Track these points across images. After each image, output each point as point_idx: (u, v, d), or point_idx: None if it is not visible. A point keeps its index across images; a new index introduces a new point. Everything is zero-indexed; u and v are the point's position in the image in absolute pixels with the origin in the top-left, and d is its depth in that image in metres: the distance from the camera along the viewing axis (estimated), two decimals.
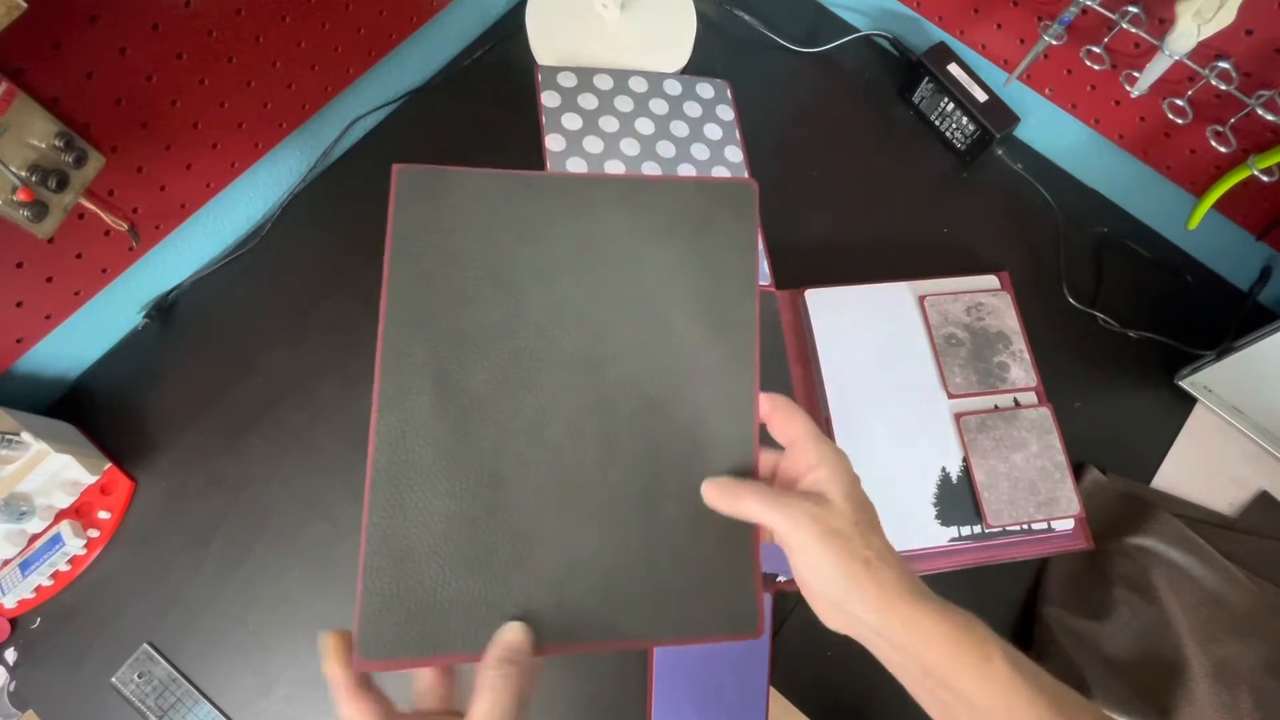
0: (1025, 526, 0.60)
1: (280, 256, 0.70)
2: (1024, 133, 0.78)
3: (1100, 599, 0.60)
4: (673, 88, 0.73)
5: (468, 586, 0.35)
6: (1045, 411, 0.64)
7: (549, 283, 0.39)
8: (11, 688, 0.56)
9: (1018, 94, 0.75)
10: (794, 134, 0.78)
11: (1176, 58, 0.58)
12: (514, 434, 0.37)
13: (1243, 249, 0.71)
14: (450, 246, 0.38)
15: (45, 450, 0.56)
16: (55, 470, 0.57)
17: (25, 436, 0.55)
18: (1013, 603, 0.62)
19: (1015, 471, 0.61)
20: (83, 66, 0.49)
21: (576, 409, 0.37)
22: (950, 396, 0.64)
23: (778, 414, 0.38)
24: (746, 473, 0.38)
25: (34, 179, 0.48)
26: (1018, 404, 0.64)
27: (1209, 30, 0.55)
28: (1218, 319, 0.71)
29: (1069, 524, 0.61)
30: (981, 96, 0.73)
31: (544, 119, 0.69)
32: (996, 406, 0.64)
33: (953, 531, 0.60)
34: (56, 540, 0.58)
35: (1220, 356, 0.63)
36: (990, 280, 0.70)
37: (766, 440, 0.39)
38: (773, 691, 0.57)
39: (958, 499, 0.60)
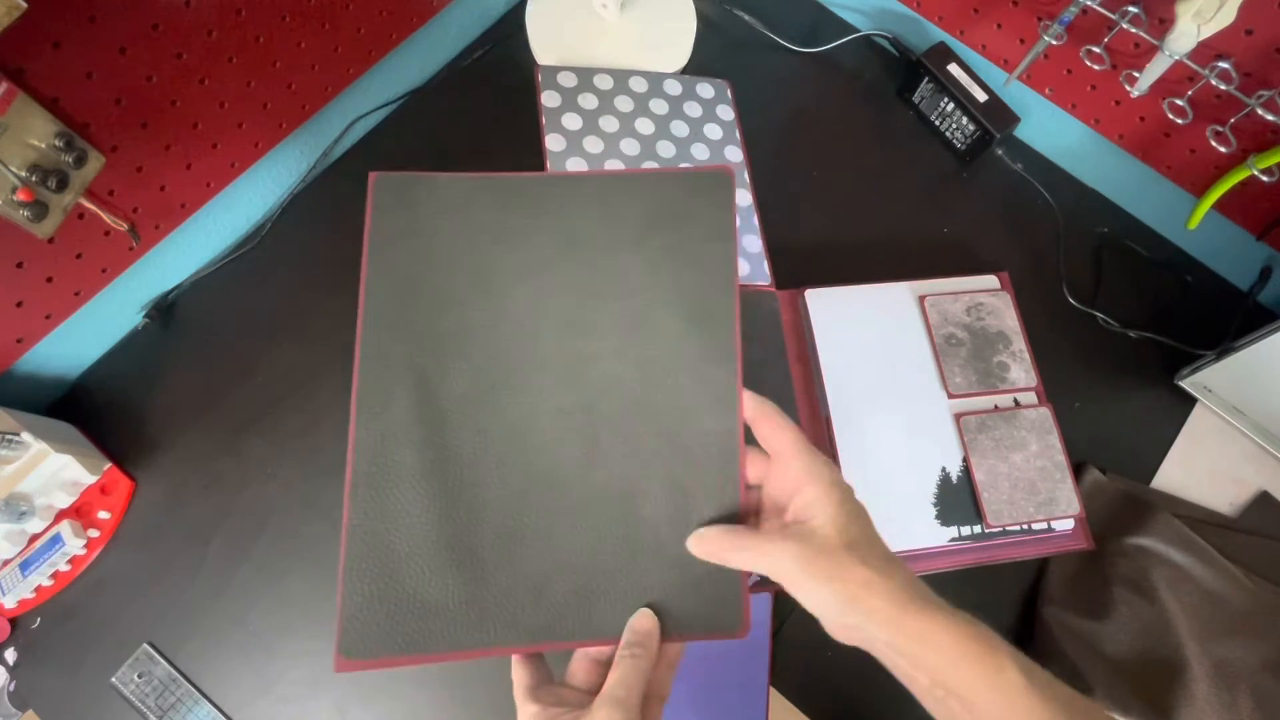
0: (1025, 526, 0.60)
1: (280, 256, 0.70)
2: (1024, 133, 0.78)
3: (1100, 599, 0.60)
4: (673, 88, 0.73)
5: (449, 587, 0.35)
6: (1045, 411, 0.64)
7: (527, 284, 0.39)
8: (11, 688, 0.56)
9: (1018, 94, 0.75)
10: (794, 134, 0.78)
11: (1176, 58, 0.58)
12: (494, 436, 0.37)
13: (1243, 249, 0.71)
14: (428, 251, 0.38)
15: (45, 450, 0.56)
16: (55, 470, 0.57)
17: (25, 436, 0.55)
18: (1013, 603, 0.62)
19: (1015, 471, 0.61)
20: (83, 66, 0.49)
21: (557, 409, 0.37)
22: (950, 396, 0.64)
23: (765, 421, 0.38)
24: (732, 474, 0.38)
25: (34, 179, 0.48)
26: (1018, 404, 0.64)
27: (1209, 30, 0.55)
28: (1218, 319, 0.71)
29: (1069, 524, 0.61)
30: (981, 96, 0.73)
31: (544, 119, 0.69)
32: (996, 406, 0.64)
33: (953, 531, 0.60)
34: (56, 540, 0.58)
35: (1220, 356, 0.63)
36: (990, 280, 0.70)
37: (753, 442, 0.39)
38: (773, 691, 0.57)
39: (958, 499, 0.60)
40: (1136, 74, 0.62)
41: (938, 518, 0.60)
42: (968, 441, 0.62)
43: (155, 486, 0.62)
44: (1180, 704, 0.55)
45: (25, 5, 0.40)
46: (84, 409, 0.63)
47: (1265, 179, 0.61)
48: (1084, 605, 0.60)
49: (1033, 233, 0.75)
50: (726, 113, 0.74)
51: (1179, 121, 0.64)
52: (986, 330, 0.66)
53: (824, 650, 0.59)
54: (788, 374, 0.64)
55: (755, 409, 0.38)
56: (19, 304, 0.56)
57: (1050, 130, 0.76)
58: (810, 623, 0.62)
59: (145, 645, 0.58)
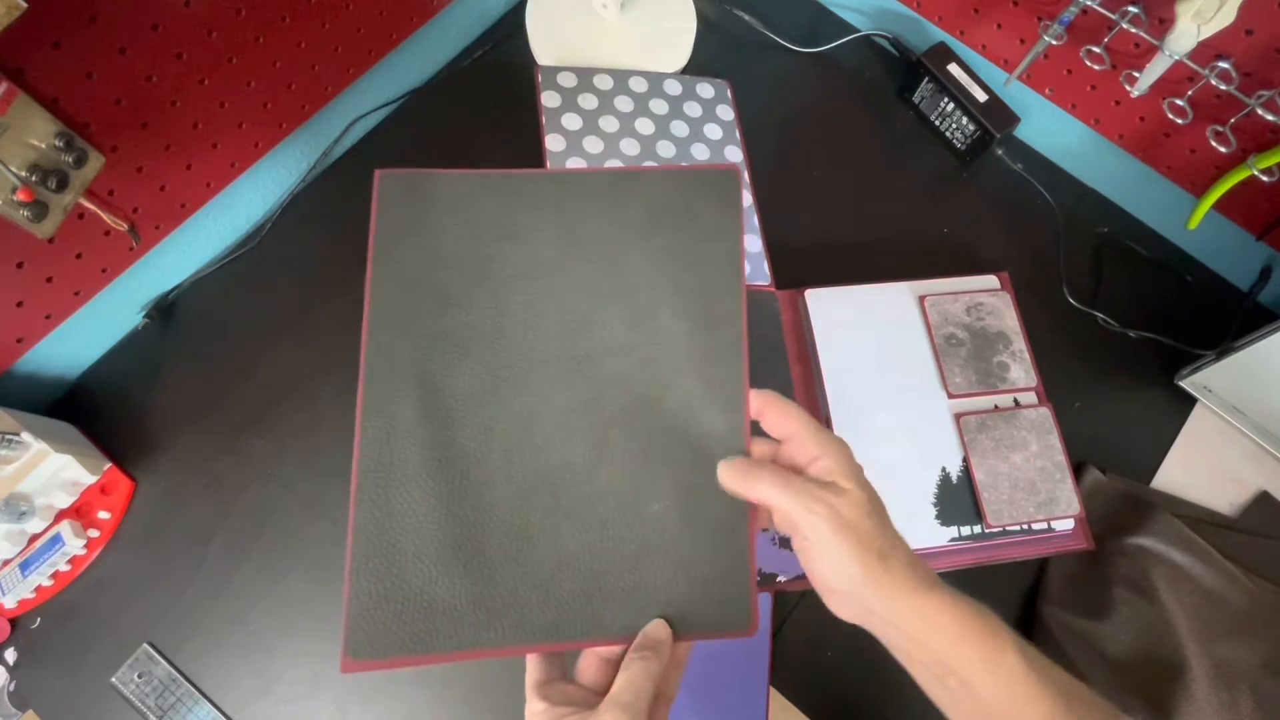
0: (1025, 526, 0.60)
1: (280, 256, 0.70)
2: (1024, 133, 0.78)
3: (1100, 599, 0.60)
4: (673, 88, 0.73)
5: (455, 585, 0.35)
6: (1045, 411, 0.64)
7: (532, 281, 0.38)
8: (11, 688, 0.56)
9: (1018, 94, 0.75)
10: (794, 134, 0.78)
11: (1176, 58, 0.58)
12: (500, 434, 0.37)
13: (1243, 249, 0.71)
14: (433, 248, 0.38)
15: (45, 450, 0.56)
16: (55, 470, 0.57)
17: (25, 436, 0.55)
18: (1013, 603, 0.62)
19: (1015, 471, 0.61)
20: (83, 66, 0.49)
21: (563, 407, 0.37)
22: (950, 396, 0.64)
23: (771, 409, 0.38)
24: None
25: (34, 179, 0.48)
26: (1018, 404, 0.64)
27: (1209, 30, 0.55)
28: (1218, 319, 0.71)
29: (1069, 524, 0.61)
30: (981, 96, 0.73)
31: (544, 119, 0.69)
32: (996, 406, 0.64)
33: (953, 531, 0.60)
34: (56, 540, 0.58)
35: (1220, 356, 0.63)
36: (990, 280, 0.70)
37: (760, 434, 0.39)
38: (773, 691, 0.57)
39: (958, 499, 0.60)
40: (1136, 74, 0.62)
41: (938, 518, 0.60)
42: (968, 441, 0.62)
43: (155, 486, 0.62)
44: (1180, 704, 0.55)
45: (25, 5, 0.40)
46: (84, 409, 0.63)
47: (1265, 179, 0.61)
48: (1084, 605, 0.60)
49: (1033, 233, 0.75)
50: (726, 113, 0.74)
51: (1179, 121, 0.64)
52: (986, 330, 0.66)
53: (824, 650, 0.59)
54: (788, 374, 0.64)
55: (760, 400, 0.38)
56: (19, 304, 0.56)
57: (1050, 130, 0.76)
58: (810, 623, 0.63)
59: (145, 645, 0.58)
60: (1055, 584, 0.61)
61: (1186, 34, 0.56)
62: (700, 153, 0.71)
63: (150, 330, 0.67)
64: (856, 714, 0.58)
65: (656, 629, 0.35)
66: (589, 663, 0.37)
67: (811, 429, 0.37)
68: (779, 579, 0.58)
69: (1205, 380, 0.67)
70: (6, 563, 0.57)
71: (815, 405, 0.63)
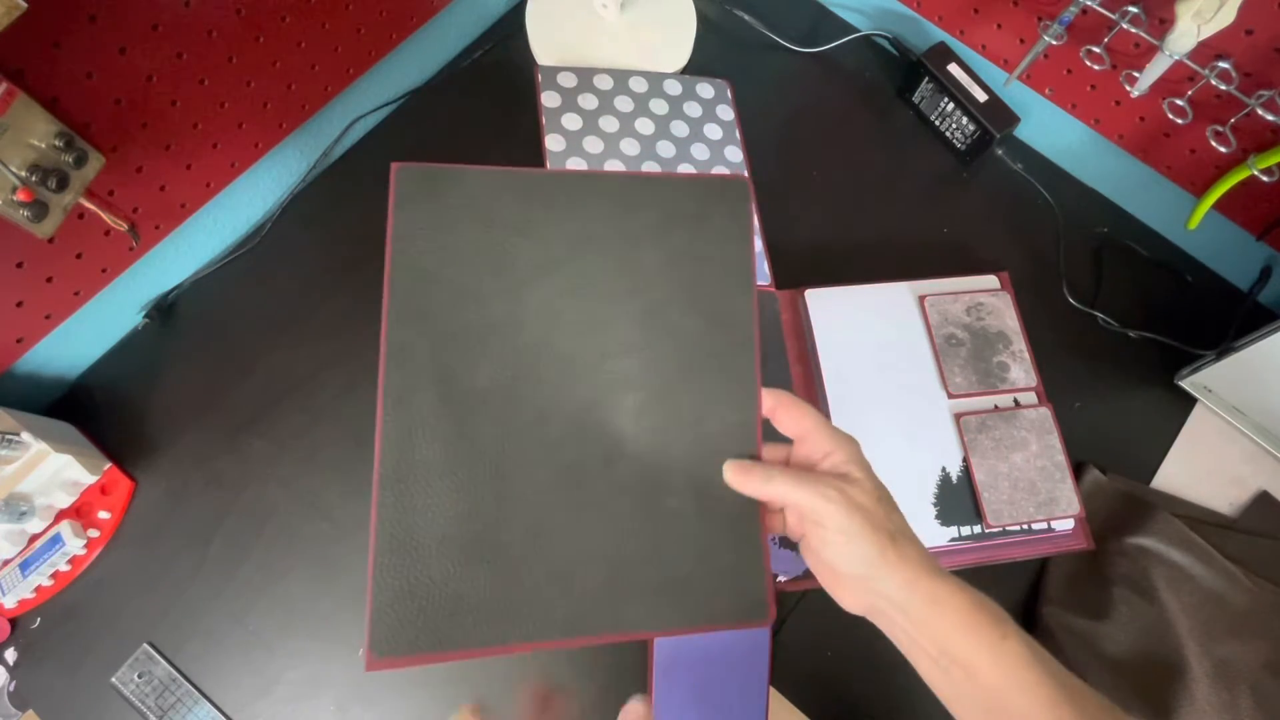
0: (1025, 526, 0.60)
1: (280, 256, 0.70)
2: (1024, 133, 0.78)
3: (1100, 599, 0.60)
4: (673, 88, 0.73)
5: (478, 581, 0.35)
6: (1045, 411, 0.64)
7: (548, 277, 0.39)
8: (11, 688, 0.56)
9: (1018, 94, 0.75)
10: (794, 134, 0.78)
11: (1176, 58, 0.58)
12: (518, 429, 0.37)
13: (1243, 249, 0.71)
14: (450, 243, 0.38)
15: (45, 450, 0.56)
16: (55, 470, 0.57)
17: (25, 436, 0.55)
18: (1013, 603, 0.62)
19: (1015, 471, 0.61)
20: (83, 66, 0.49)
21: (579, 403, 0.38)
22: (950, 396, 0.64)
23: (783, 409, 0.39)
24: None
25: (34, 179, 0.48)
26: (1018, 404, 0.64)
27: (1209, 30, 0.55)
28: (1218, 319, 0.71)
29: (1069, 524, 0.61)
30: (981, 96, 0.73)
31: (544, 119, 0.69)
32: (996, 406, 0.64)
33: (953, 531, 0.60)
34: (56, 540, 0.58)
35: (1220, 356, 0.63)
36: (990, 280, 0.70)
37: (771, 435, 0.39)
38: (773, 691, 0.57)
39: (958, 499, 0.60)
40: (1136, 74, 0.62)
41: (938, 518, 0.60)
42: (968, 441, 0.62)
43: (155, 486, 0.62)
44: (1180, 704, 0.55)
45: (25, 5, 0.40)
46: (84, 409, 0.63)
47: (1265, 179, 0.61)
48: (1084, 605, 0.60)
49: (1033, 233, 0.75)
50: (726, 113, 0.74)
51: (1179, 121, 0.64)
52: (986, 330, 0.66)
53: (824, 650, 0.59)
54: (788, 374, 0.64)
55: (773, 399, 0.39)
56: (19, 304, 0.56)
57: (1050, 130, 0.76)
58: (810, 623, 0.63)
59: (145, 645, 0.58)
60: (1055, 584, 0.61)
61: (1186, 34, 0.56)
62: (700, 153, 0.71)
63: (150, 330, 0.67)
64: (856, 714, 0.58)
65: (635, 712, 0.36)
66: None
67: (824, 426, 0.38)
68: (779, 579, 0.58)
69: (1205, 380, 0.67)
70: (6, 563, 0.57)
71: (815, 405, 0.63)
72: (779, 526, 0.40)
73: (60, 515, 0.59)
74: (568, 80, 0.71)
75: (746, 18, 0.80)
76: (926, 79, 0.76)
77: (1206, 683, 0.55)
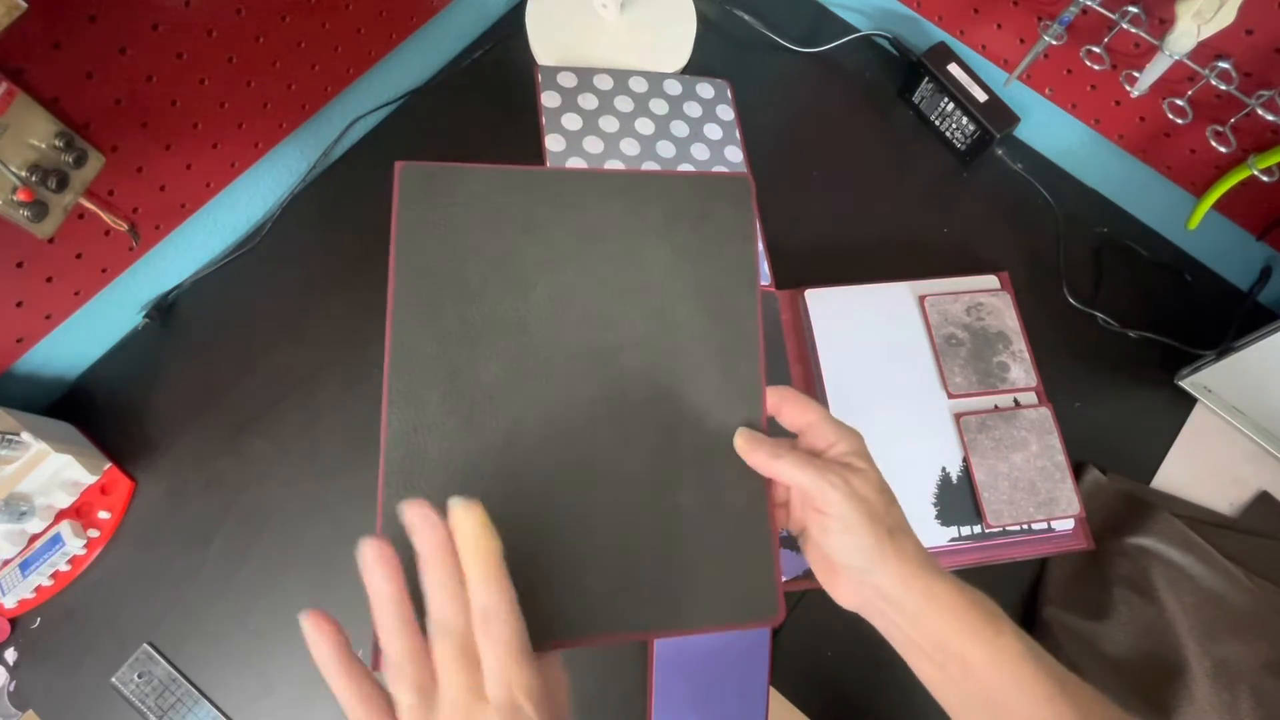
0: (1025, 526, 0.60)
1: (280, 256, 0.70)
2: (1024, 133, 0.78)
3: (1100, 599, 0.60)
4: (673, 88, 0.73)
5: None
6: (1045, 411, 0.64)
7: (553, 275, 0.39)
8: (11, 688, 0.56)
9: (1018, 94, 0.75)
10: (794, 134, 0.78)
11: (1176, 58, 0.58)
12: (525, 427, 0.37)
13: (1243, 249, 0.71)
14: (455, 241, 0.38)
15: (45, 450, 0.56)
16: (55, 470, 0.57)
17: (25, 436, 0.55)
18: (1013, 603, 0.62)
19: (1015, 471, 0.61)
20: (83, 66, 0.49)
21: (587, 399, 0.38)
22: (950, 396, 0.64)
23: (787, 404, 0.39)
24: None
25: (34, 179, 0.48)
26: (1018, 404, 0.64)
27: (1209, 30, 0.55)
28: (1218, 319, 0.71)
29: (1069, 524, 0.61)
30: (981, 96, 0.73)
31: (544, 119, 0.69)
32: (996, 406, 0.64)
33: (953, 531, 0.60)
34: (56, 540, 0.58)
35: (1220, 356, 0.63)
36: (990, 280, 0.70)
37: (776, 431, 0.39)
38: (773, 691, 0.57)
39: (958, 499, 0.60)
40: (1136, 74, 0.62)
41: (938, 518, 0.60)
42: (968, 441, 0.62)
43: (155, 486, 0.62)
44: (1180, 704, 0.55)
45: (25, 5, 0.40)
46: (84, 409, 0.63)
47: (1265, 179, 0.61)
48: (1084, 605, 0.60)
49: (1033, 233, 0.75)
50: (726, 113, 0.74)
51: (1179, 121, 0.64)
52: (986, 330, 0.66)
53: (824, 650, 0.59)
54: (788, 374, 0.64)
55: (777, 395, 0.39)
56: (19, 304, 0.56)
57: (1050, 130, 0.76)
58: (810, 623, 0.63)
59: (145, 645, 0.58)
60: (1055, 584, 0.61)
61: (1186, 34, 0.56)
62: (700, 153, 0.71)
63: (150, 330, 0.67)
64: (856, 714, 0.58)
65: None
66: None
67: (827, 419, 0.39)
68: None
69: (1205, 380, 0.67)
70: (6, 563, 0.57)
71: None
72: (783, 519, 0.40)
73: (60, 515, 0.59)
74: (568, 80, 0.71)
75: (746, 18, 0.80)
76: (926, 79, 0.76)
77: (1206, 683, 0.55)
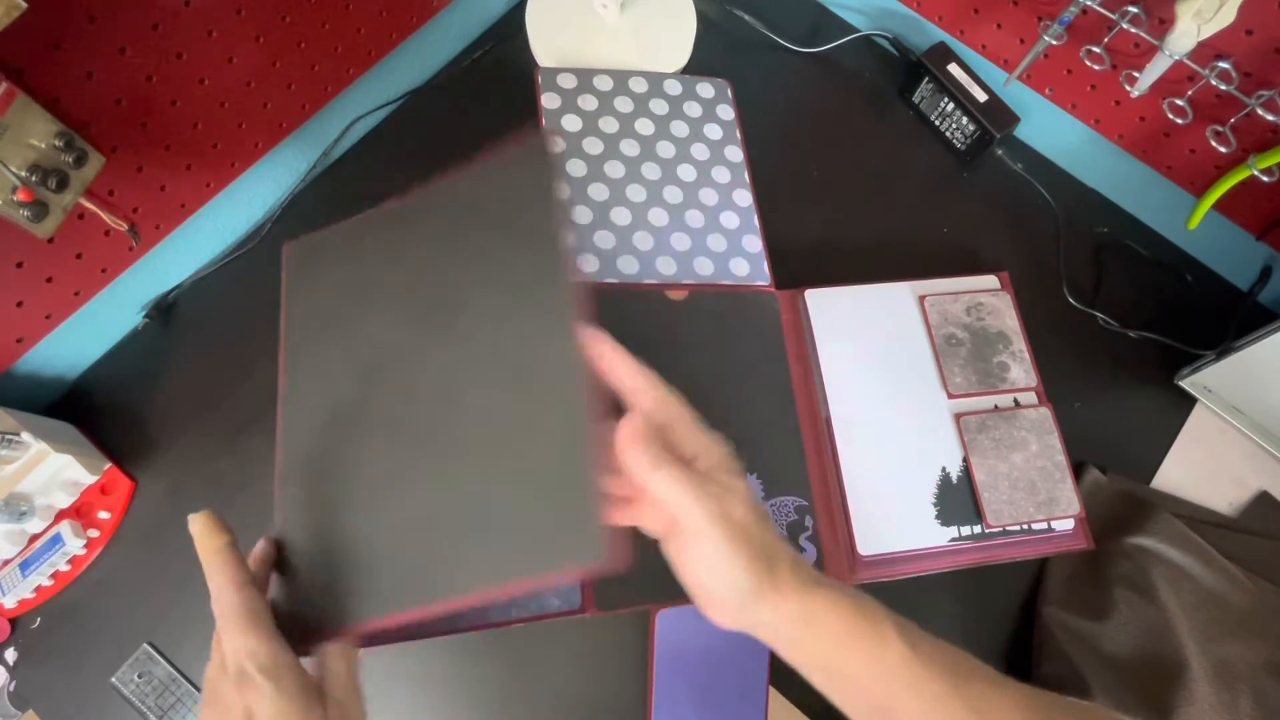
0: (1025, 526, 0.60)
1: (280, 256, 0.70)
2: (1024, 133, 0.78)
3: (1100, 599, 0.60)
4: (673, 88, 0.73)
5: (325, 570, 0.39)
6: (1045, 411, 0.64)
7: (392, 330, 0.41)
8: (11, 688, 0.56)
9: (1018, 94, 0.75)
10: (794, 134, 0.78)
11: (1176, 58, 0.58)
12: (369, 464, 0.40)
13: (1243, 249, 0.71)
14: (315, 319, 0.44)
15: (45, 450, 0.56)
16: (55, 470, 0.57)
17: (25, 436, 0.55)
18: (1013, 603, 0.62)
19: (1015, 471, 0.61)
20: (83, 66, 0.49)
21: (401, 418, 0.40)
22: (950, 396, 0.64)
23: (620, 364, 0.36)
24: (580, 443, 0.35)
25: (34, 179, 0.48)
26: (1018, 404, 0.64)
27: (1209, 30, 0.55)
28: (1218, 319, 0.71)
29: (1069, 524, 0.61)
30: (981, 96, 0.73)
31: (544, 120, 0.69)
32: (996, 406, 0.64)
33: (953, 531, 0.60)
34: (56, 540, 0.58)
35: (1220, 356, 0.63)
36: (990, 280, 0.70)
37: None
38: (773, 691, 0.57)
39: (958, 499, 0.60)
40: (1136, 74, 0.62)
41: (938, 518, 0.60)
42: (968, 441, 0.62)
43: (155, 486, 0.62)
44: (1180, 704, 0.55)
45: (25, 5, 0.40)
46: (84, 409, 0.63)
47: (1265, 179, 0.61)
48: (1084, 605, 0.60)
49: (1033, 233, 0.75)
50: (726, 113, 0.74)
51: (1179, 121, 0.64)
52: (986, 330, 0.66)
53: None
54: (788, 374, 0.64)
55: (603, 349, 0.36)
56: (19, 304, 0.56)
57: (1050, 130, 0.76)
58: None
59: (145, 645, 0.58)
60: (1055, 584, 0.61)
61: (1186, 34, 0.56)
62: (700, 153, 0.71)
63: (150, 330, 0.67)
64: None
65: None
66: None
67: (692, 420, 0.36)
68: None
69: (1205, 380, 0.67)
70: (6, 563, 0.57)
71: (815, 405, 0.63)
72: (637, 519, 0.37)
73: (60, 515, 0.59)
74: (568, 81, 0.71)
75: (746, 18, 0.80)
76: (926, 79, 0.76)
77: (1206, 683, 0.55)
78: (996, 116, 0.73)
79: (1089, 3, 0.61)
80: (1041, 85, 0.74)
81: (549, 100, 0.69)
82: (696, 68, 0.77)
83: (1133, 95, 0.63)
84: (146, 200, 0.60)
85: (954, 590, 0.61)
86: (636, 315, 0.63)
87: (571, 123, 0.69)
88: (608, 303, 0.62)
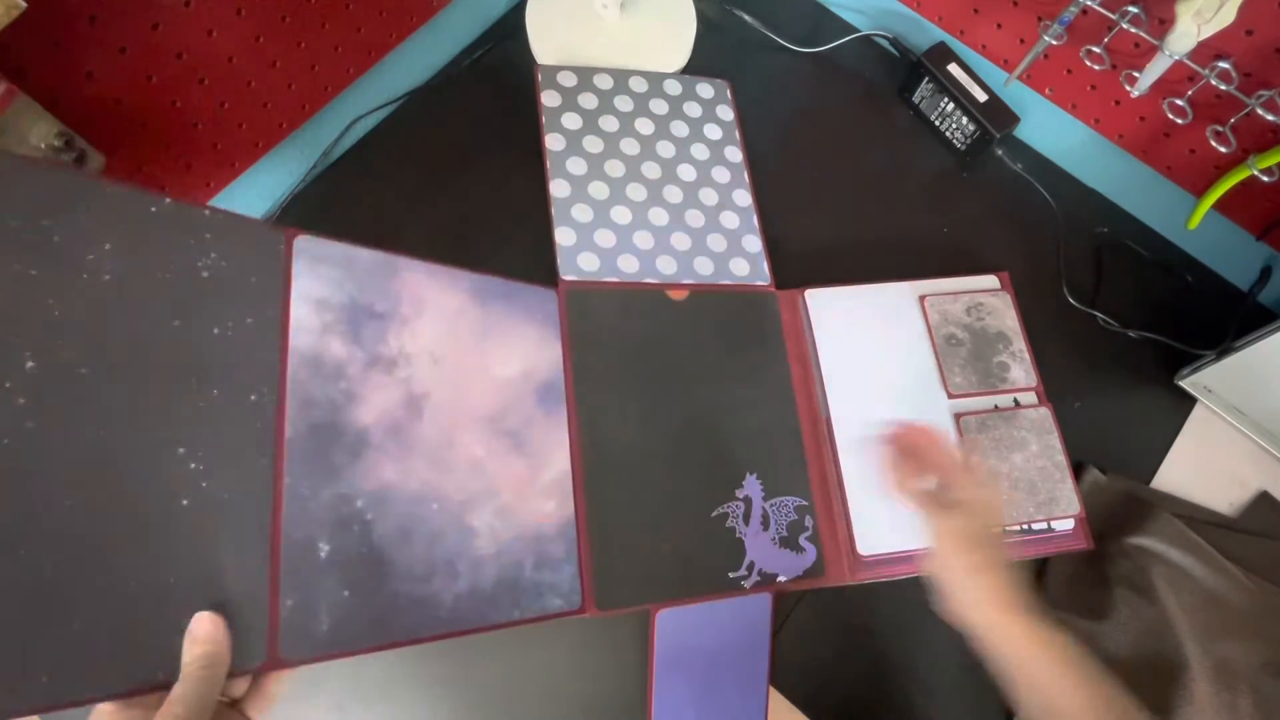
0: (1025, 526, 0.60)
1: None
2: (1024, 133, 0.78)
3: (1100, 599, 0.60)
4: (673, 88, 0.73)
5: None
6: (1045, 411, 0.64)
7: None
8: None
9: (1018, 94, 0.75)
10: (794, 134, 0.78)
11: (1176, 58, 0.58)
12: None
13: (1243, 249, 0.71)
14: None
15: None
16: None
17: None
18: None
19: (1015, 471, 0.61)
20: (83, 66, 0.49)
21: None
22: (950, 396, 0.64)
23: (931, 449, 0.51)
24: None
25: None
26: (1018, 404, 0.64)
27: (1209, 30, 0.55)
28: (1218, 319, 0.71)
29: (1069, 524, 0.61)
30: (981, 96, 0.73)
31: (544, 119, 0.69)
32: (996, 406, 0.64)
33: None
34: None
35: (1220, 356, 0.63)
36: (990, 280, 0.70)
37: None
38: (773, 691, 0.57)
39: None
40: (1136, 74, 0.62)
41: None
42: (968, 441, 0.62)
43: None
44: (1180, 704, 0.55)
45: (25, 5, 0.40)
46: None
47: (1265, 179, 0.61)
48: (1084, 605, 0.60)
49: (1033, 233, 0.75)
50: (726, 113, 0.74)
51: (1179, 121, 0.64)
52: (986, 330, 0.66)
53: (824, 650, 0.59)
54: (788, 374, 0.64)
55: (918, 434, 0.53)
56: None
57: (1050, 130, 0.76)
58: (810, 623, 0.62)
59: None
60: (1055, 584, 0.61)
61: (1186, 34, 0.56)
62: (700, 153, 0.71)
63: None
64: (856, 714, 0.58)
65: (202, 624, 0.37)
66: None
67: (958, 467, 0.49)
68: (779, 579, 0.58)
69: (1205, 380, 0.67)
70: None
71: (815, 405, 0.63)
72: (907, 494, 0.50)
73: None
74: (568, 80, 0.71)
75: (746, 18, 0.80)
76: (926, 79, 0.76)
77: (1206, 683, 0.55)
78: (996, 116, 0.73)
79: (1089, 3, 0.61)
80: (1041, 85, 0.74)
81: (549, 98, 0.69)
82: (696, 68, 0.77)
83: (1133, 95, 0.63)
84: None
85: None
86: (636, 315, 0.63)
87: (572, 121, 0.69)
88: (608, 302, 0.62)
